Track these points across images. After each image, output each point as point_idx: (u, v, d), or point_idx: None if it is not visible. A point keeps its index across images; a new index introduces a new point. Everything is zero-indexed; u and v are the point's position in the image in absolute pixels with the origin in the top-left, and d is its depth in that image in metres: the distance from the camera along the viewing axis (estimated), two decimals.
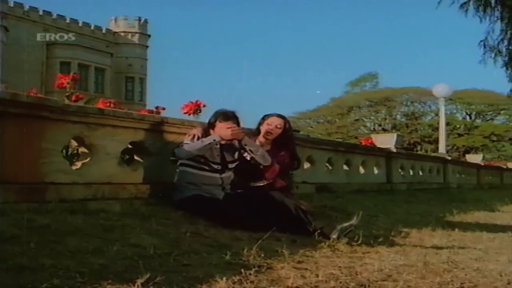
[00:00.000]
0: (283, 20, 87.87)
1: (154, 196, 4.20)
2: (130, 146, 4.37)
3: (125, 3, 77.30)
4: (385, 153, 9.08)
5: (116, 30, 42.54)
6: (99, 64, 39.17)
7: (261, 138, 4.40)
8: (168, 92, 60.70)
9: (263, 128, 4.41)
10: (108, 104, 5.27)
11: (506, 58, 12.81)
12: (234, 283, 2.20)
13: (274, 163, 4.20)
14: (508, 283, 2.64)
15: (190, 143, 3.95)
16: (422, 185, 10.37)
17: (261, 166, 4.12)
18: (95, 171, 3.96)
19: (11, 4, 35.99)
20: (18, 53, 34.50)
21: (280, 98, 75.44)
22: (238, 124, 4.07)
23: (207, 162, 3.98)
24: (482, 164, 16.14)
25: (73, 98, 5.12)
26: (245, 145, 4.04)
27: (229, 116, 4.05)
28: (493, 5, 12.19)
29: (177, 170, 4.09)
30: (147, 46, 43.64)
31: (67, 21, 39.40)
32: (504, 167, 18.29)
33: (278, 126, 4.37)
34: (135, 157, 4.43)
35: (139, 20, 43.10)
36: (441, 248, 3.63)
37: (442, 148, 15.54)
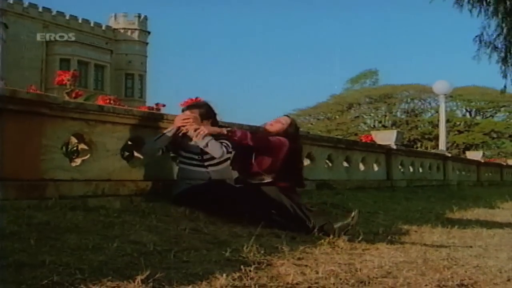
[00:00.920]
0: (283, 17, 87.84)
1: (154, 193, 4.20)
2: (130, 143, 4.37)
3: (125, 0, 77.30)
4: (385, 150, 9.08)
5: (116, 27, 42.47)
6: (98, 61, 39.13)
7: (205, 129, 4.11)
8: (168, 89, 60.74)
9: (269, 123, 4.38)
10: (108, 101, 5.27)
11: (502, 54, 12.77)
12: (234, 279, 2.21)
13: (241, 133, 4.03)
14: (508, 280, 2.64)
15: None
16: (422, 182, 10.38)
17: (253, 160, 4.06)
18: (95, 168, 3.96)
19: (11, 1, 35.92)
20: (18, 50, 34.51)
21: (280, 95, 75.43)
22: (204, 113, 4.01)
23: (191, 156, 4.01)
24: (482, 161, 16.19)
25: (73, 95, 5.13)
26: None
27: (191, 106, 4.12)
28: (488, 0, 12.14)
29: (180, 166, 4.13)
30: (147, 43, 43.58)
31: (67, 18, 39.35)
32: (504, 164, 18.33)
33: (283, 122, 4.34)
34: (135, 154, 4.43)
35: (139, 17, 43.02)
36: (441, 245, 3.63)
37: (442, 145, 15.57)
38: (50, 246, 2.42)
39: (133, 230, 2.98)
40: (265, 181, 4.16)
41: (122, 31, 42.40)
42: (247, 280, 2.24)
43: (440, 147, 15.59)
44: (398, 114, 40.99)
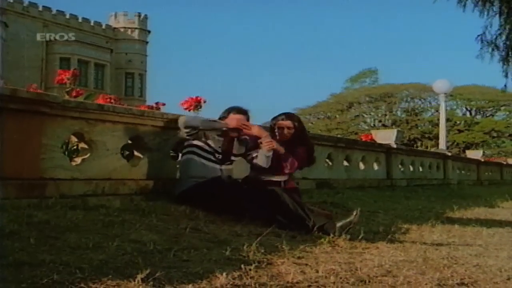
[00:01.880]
0: (283, 17, 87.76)
1: (154, 191, 4.20)
2: (130, 142, 4.37)
3: None
4: (385, 149, 9.08)
5: (116, 26, 42.44)
6: (98, 60, 39.10)
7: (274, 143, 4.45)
8: (168, 88, 60.74)
9: (277, 133, 4.50)
10: (108, 100, 5.27)
11: (503, 53, 12.74)
12: (234, 278, 2.21)
13: (292, 158, 4.33)
14: (508, 279, 2.64)
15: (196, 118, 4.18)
16: (422, 181, 10.39)
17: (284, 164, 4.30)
18: (95, 167, 3.96)
19: (11, 0, 35.89)
20: (18, 49, 34.50)
21: (280, 94, 75.40)
22: (248, 120, 4.29)
23: (211, 151, 4.10)
24: (482, 160, 16.18)
25: (73, 94, 5.12)
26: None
27: (242, 111, 4.31)
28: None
29: (181, 160, 4.13)
30: (147, 42, 43.56)
31: (67, 17, 39.33)
32: (504, 163, 18.33)
33: (290, 128, 4.48)
34: (135, 153, 4.43)
35: (139, 15, 43.00)
36: (441, 244, 3.64)
37: (442, 144, 15.55)
38: (50, 245, 2.42)
39: (133, 229, 2.99)
40: (281, 179, 4.26)
41: (122, 30, 42.37)
42: (247, 279, 2.24)
43: (440, 146, 15.57)
44: (398, 113, 40.97)
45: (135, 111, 4.40)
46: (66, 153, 4.06)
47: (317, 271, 2.47)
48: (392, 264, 2.77)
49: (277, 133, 4.50)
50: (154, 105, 5.86)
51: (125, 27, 42.47)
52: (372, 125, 39.68)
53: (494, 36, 12.45)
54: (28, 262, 2.10)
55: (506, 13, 12.00)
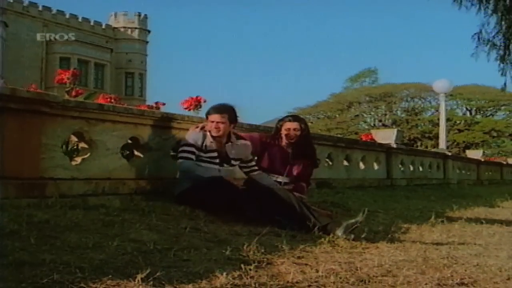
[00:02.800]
0: (282, 17, 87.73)
1: (154, 191, 4.20)
2: (130, 142, 4.36)
3: None
4: (385, 149, 9.08)
5: (116, 26, 42.40)
6: (98, 59, 39.07)
7: (283, 143, 4.60)
8: (168, 88, 60.73)
9: (283, 134, 4.58)
10: (108, 99, 5.27)
11: (501, 51, 12.69)
12: (234, 278, 2.20)
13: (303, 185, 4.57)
14: (508, 279, 2.64)
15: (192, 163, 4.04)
16: (422, 181, 10.39)
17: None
18: (95, 167, 3.96)
19: (11, 0, 35.86)
20: (18, 48, 34.47)
21: (280, 94, 75.36)
22: (231, 118, 4.12)
23: (212, 155, 4.09)
24: (482, 159, 16.16)
25: (73, 93, 5.12)
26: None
27: (217, 109, 4.13)
28: None
29: (180, 161, 4.12)
30: (147, 42, 43.53)
31: (67, 16, 39.30)
32: (504, 162, 18.31)
33: (296, 129, 4.54)
34: (135, 153, 4.43)
35: (139, 15, 42.95)
36: (441, 243, 3.63)
37: (442, 144, 15.54)
38: (50, 245, 2.42)
39: (133, 229, 2.98)
40: (285, 180, 4.37)
41: (122, 29, 42.34)
42: (247, 278, 2.23)
43: (440, 146, 15.56)
44: (398, 112, 40.92)
45: (135, 111, 4.40)
46: (66, 152, 4.06)
47: (317, 271, 2.47)
48: (392, 264, 2.77)
49: (283, 135, 4.52)
50: (154, 104, 5.87)
51: (125, 27, 42.43)
52: (372, 124, 39.65)
53: (491, 35, 12.40)
54: (28, 261, 2.10)
55: (503, 11, 11.95)
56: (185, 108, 5.09)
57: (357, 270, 2.56)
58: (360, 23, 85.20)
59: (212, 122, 4.08)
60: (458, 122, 38.53)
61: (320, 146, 7.13)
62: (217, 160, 4.11)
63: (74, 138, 4.12)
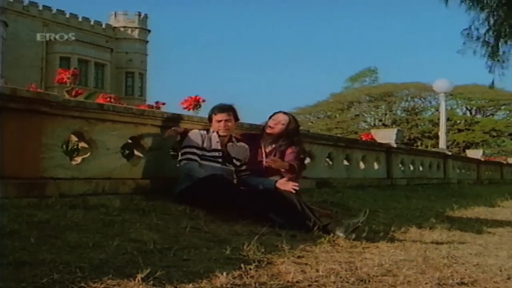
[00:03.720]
0: (282, 16, 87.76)
1: (154, 191, 4.20)
2: (130, 141, 4.36)
3: None
4: (385, 148, 9.07)
5: (116, 25, 42.40)
6: (99, 59, 39.06)
7: (265, 133, 4.53)
8: (168, 87, 60.72)
9: (270, 124, 4.53)
10: (108, 99, 5.27)
11: (489, 48, 12.61)
12: (234, 278, 2.20)
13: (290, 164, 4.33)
14: (508, 278, 2.64)
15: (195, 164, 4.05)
16: (422, 180, 10.38)
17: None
18: (95, 166, 3.96)
19: None
20: (18, 48, 34.45)
21: (280, 94, 75.38)
22: (235, 116, 4.24)
23: (214, 154, 4.12)
24: (482, 159, 16.14)
25: (73, 93, 5.12)
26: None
27: (225, 108, 4.22)
28: None
29: (180, 162, 4.12)
30: (147, 41, 43.53)
31: (67, 16, 39.29)
32: (504, 162, 18.30)
33: (282, 122, 4.49)
34: (135, 152, 4.43)
35: (139, 15, 42.94)
36: (441, 243, 3.63)
37: (442, 144, 15.52)
38: (50, 245, 2.42)
39: (133, 228, 2.98)
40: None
41: (122, 29, 42.33)
42: (247, 278, 2.24)
43: (440, 146, 15.54)
44: (398, 112, 40.91)
45: (135, 111, 4.40)
46: (66, 152, 4.06)
47: (317, 271, 2.47)
48: (392, 264, 2.77)
49: (269, 126, 4.49)
50: (154, 104, 5.86)
51: (125, 27, 42.42)
52: (372, 124, 39.63)
53: (482, 32, 12.32)
54: (28, 261, 2.10)
55: (491, 7, 11.88)
56: (185, 108, 5.09)
57: (357, 269, 2.56)
58: (360, 23, 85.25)
59: (220, 121, 4.18)
60: (458, 121, 38.52)
61: (321, 145, 7.14)
62: (220, 159, 4.14)
63: (74, 138, 4.12)
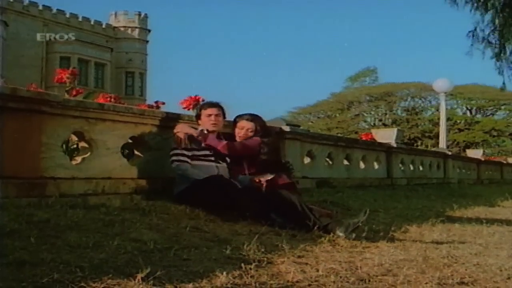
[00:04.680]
0: (282, 16, 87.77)
1: (154, 191, 4.20)
2: (130, 141, 4.36)
3: None
4: (386, 148, 9.07)
5: (116, 25, 42.38)
6: (99, 59, 39.05)
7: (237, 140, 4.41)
8: (168, 87, 60.70)
9: (236, 132, 4.41)
10: (108, 99, 5.26)
11: (496, 49, 12.57)
12: (234, 277, 2.21)
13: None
14: (508, 278, 2.64)
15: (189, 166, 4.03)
16: (422, 180, 10.38)
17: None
18: (95, 166, 3.96)
19: None
20: (18, 48, 34.44)
21: (280, 93, 75.44)
22: (223, 113, 4.31)
23: (206, 153, 4.11)
24: (482, 159, 16.13)
25: (73, 93, 5.12)
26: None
27: (213, 104, 4.32)
28: None
29: (172, 163, 4.09)
30: (147, 41, 43.52)
31: (67, 16, 39.29)
32: (504, 162, 18.28)
33: (251, 130, 4.38)
34: (135, 152, 4.43)
35: (139, 14, 42.93)
36: (441, 243, 3.63)
37: (442, 143, 15.54)
38: (51, 244, 2.42)
39: (133, 228, 2.99)
40: (269, 177, 4.22)
41: (122, 29, 42.32)
42: (247, 278, 2.24)
43: (440, 145, 15.55)
44: (399, 112, 40.91)
45: (135, 110, 4.40)
46: (66, 152, 4.06)
47: (317, 270, 2.47)
48: (392, 263, 2.77)
49: (238, 135, 4.39)
50: (154, 104, 5.86)
51: (125, 26, 42.40)
52: (372, 124, 39.64)
53: (486, 33, 12.28)
54: (28, 261, 2.10)
55: (496, 8, 11.83)
56: (184, 108, 5.09)
57: (357, 269, 2.56)
58: (360, 23, 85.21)
59: (210, 115, 4.23)
60: (458, 121, 38.52)
61: (321, 145, 7.14)
62: (212, 158, 4.13)
63: (74, 138, 4.12)
